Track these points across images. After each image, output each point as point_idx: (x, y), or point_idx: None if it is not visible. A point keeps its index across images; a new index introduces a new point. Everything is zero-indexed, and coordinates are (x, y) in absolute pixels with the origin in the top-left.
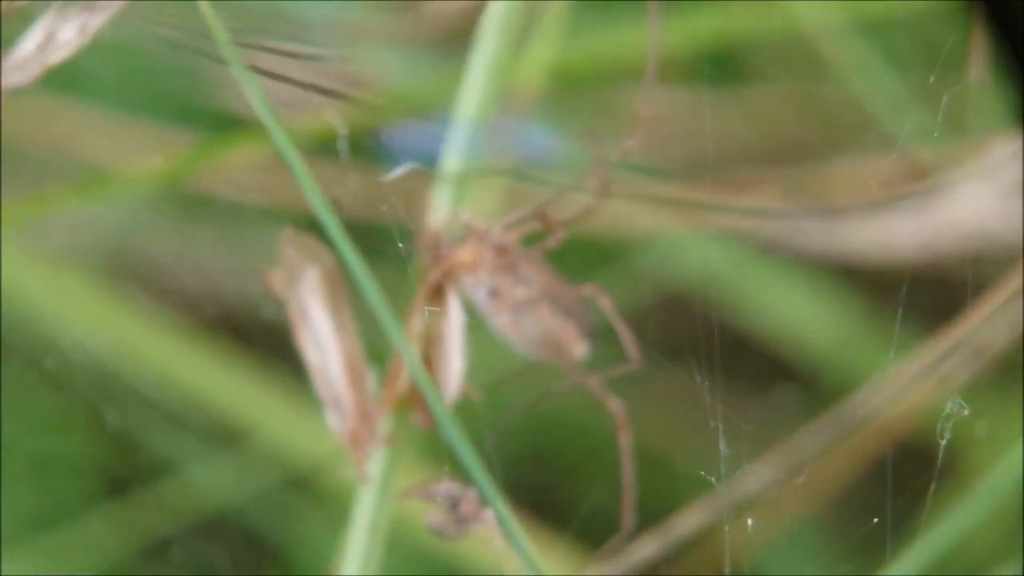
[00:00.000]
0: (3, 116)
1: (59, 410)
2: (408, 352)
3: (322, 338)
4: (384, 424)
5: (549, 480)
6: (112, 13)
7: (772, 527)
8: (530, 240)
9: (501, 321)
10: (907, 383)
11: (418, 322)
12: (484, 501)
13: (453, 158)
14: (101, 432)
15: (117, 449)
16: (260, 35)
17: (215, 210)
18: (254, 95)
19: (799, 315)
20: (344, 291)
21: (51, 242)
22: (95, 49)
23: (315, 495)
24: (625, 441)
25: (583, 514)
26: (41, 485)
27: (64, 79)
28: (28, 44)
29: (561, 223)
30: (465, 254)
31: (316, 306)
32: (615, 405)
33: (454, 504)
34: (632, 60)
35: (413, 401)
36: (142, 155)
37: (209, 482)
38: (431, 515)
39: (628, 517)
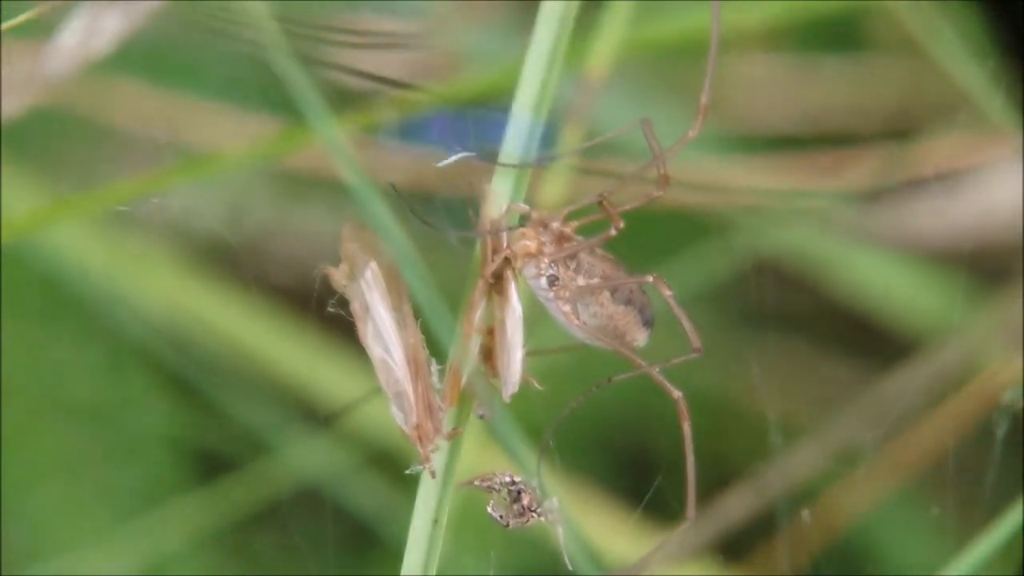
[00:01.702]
0: (108, 100)
1: (151, 388)
2: (458, 347)
3: (384, 333)
4: (448, 417)
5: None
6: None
7: (870, 492)
8: (595, 228)
9: (561, 310)
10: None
11: (478, 312)
12: (542, 494)
13: (513, 144)
14: (194, 410)
15: (210, 427)
16: (339, 22)
17: (316, 188)
18: (304, 88)
19: (891, 283)
20: (405, 285)
21: (151, 222)
22: (197, 40)
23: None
24: (687, 431)
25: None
26: (137, 462)
27: (169, 68)
28: (68, 33)
29: (619, 213)
30: (525, 243)
31: (377, 301)
32: (676, 395)
33: (513, 496)
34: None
35: (475, 392)
36: (245, 138)
37: (299, 459)
38: (492, 505)
39: (691, 507)
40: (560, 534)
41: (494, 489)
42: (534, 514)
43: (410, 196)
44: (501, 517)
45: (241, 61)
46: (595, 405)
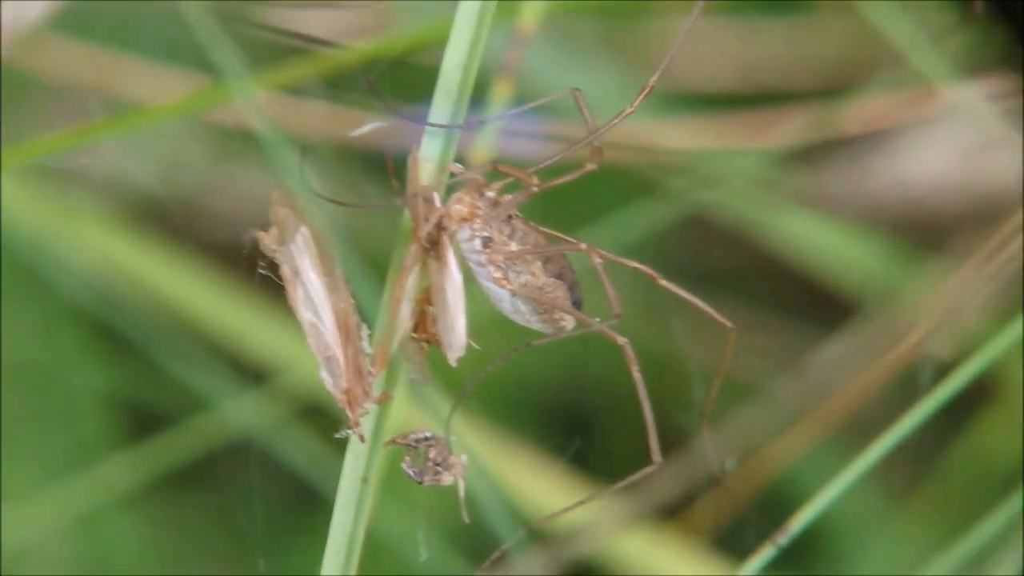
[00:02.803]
0: (44, 56)
1: (85, 346)
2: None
3: (314, 297)
4: (378, 381)
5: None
6: None
7: (794, 446)
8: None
9: (492, 276)
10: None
11: (411, 277)
12: (451, 451)
13: (441, 107)
14: (128, 367)
15: (145, 384)
16: None
17: (247, 142)
18: (225, 45)
19: (823, 237)
20: (335, 249)
21: (84, 177)
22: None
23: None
24: (638, 377)
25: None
26: (71, 420)
27: (103, 26)
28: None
29: (554, 186)
30: (459, 207)
31: (307, 266)
32: (621, 341)
33: (425, 452)
34: None
35: (406, 357)
36: (177, 94)
37: (234, 416)
38: (408, 462)
39: (655, 451)
40: (461, 489)
41: (411, 446)
42: (439, 468)
43: (335, 156)
44: (415, 474)
45: (175, 20)
46: (532, 367)
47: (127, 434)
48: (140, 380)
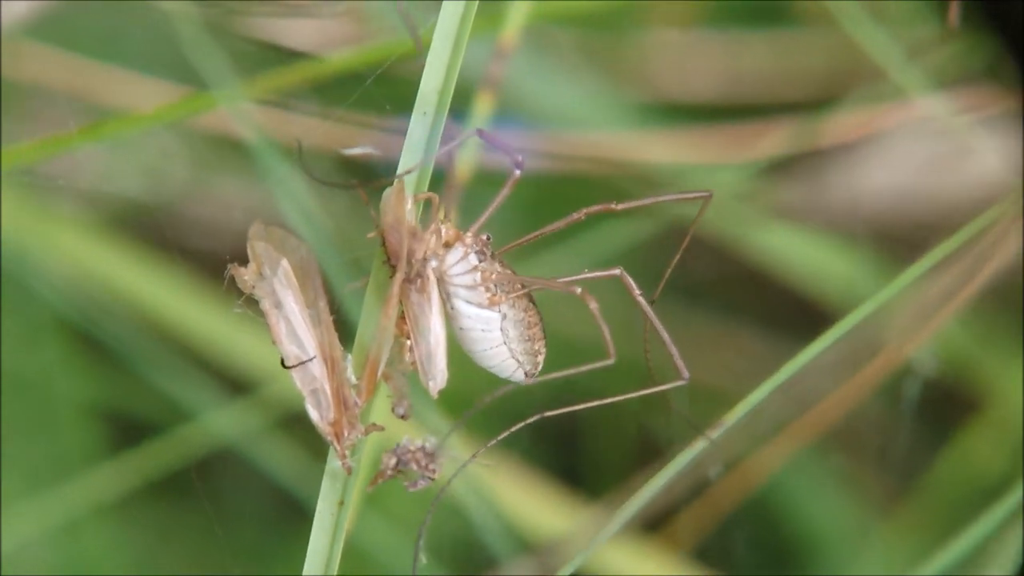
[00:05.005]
0: (23, 63)
1: (68, 356)
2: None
3: (298, 331)
4: (364, 413)
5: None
6: None
7: (778, 455)
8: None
9: (484, 296)
10: (910, 315)
11: (394, 308)
12: (432, 455)
13: (418, 129)
14: (111, 377)
15: (128, 394)
16: None
17: (230, 150)
18: (210, 53)
19: (803, 248)
20: (319, 280)
21: (66, 186)
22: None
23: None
24: (644, 303)
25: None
26: (54, 430)
27: (85, 35)
28: None
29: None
30: (445, 227)
31: (290, 298)
32: (616, 271)
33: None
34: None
35: (392, 388)
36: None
37: (218, 426)
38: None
39: (683, 368)
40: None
41: (401, 461)
42: (417, 467)
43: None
44: (408, 485)
45: (157, 30)
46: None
47: (109, 444)
48: (123, 390)
